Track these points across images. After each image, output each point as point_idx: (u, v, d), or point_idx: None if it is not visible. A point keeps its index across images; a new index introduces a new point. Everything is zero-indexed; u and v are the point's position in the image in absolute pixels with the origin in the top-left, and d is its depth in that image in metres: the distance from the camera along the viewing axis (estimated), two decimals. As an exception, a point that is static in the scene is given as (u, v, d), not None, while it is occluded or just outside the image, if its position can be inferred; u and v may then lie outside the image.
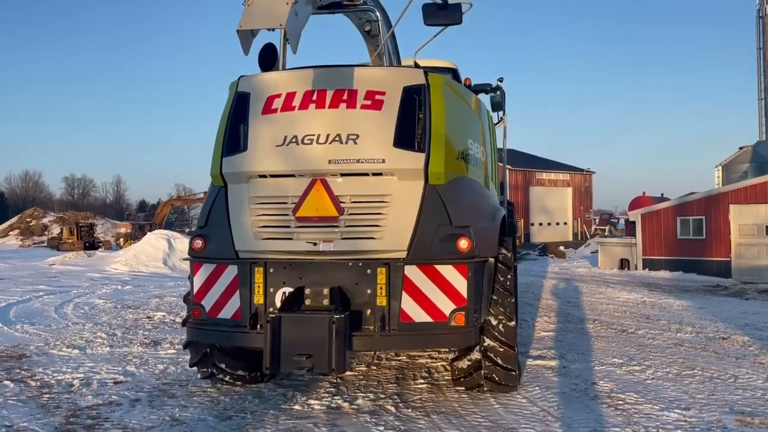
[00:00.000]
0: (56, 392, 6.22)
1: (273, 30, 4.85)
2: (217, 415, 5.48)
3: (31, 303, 13.01)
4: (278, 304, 5.31)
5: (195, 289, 5.60)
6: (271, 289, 5.37)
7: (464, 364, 5.83)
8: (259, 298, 5.36)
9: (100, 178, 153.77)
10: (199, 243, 5.57)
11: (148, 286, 16.46)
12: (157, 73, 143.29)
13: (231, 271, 5.47)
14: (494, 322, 5.68)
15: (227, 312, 5.45)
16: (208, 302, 5.52)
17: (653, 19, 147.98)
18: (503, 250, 6.04)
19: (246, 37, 4.92)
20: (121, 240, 40.95)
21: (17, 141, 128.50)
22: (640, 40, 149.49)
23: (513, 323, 5.74)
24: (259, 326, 5.28)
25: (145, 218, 48.60)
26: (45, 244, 45.26)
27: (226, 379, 6.17)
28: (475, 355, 5.74)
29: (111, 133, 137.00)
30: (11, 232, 53.70)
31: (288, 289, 5.33)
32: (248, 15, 4.75)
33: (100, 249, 37.52)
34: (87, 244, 38.90)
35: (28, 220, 55.71)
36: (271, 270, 5.38)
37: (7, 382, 6.54)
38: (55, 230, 49.40)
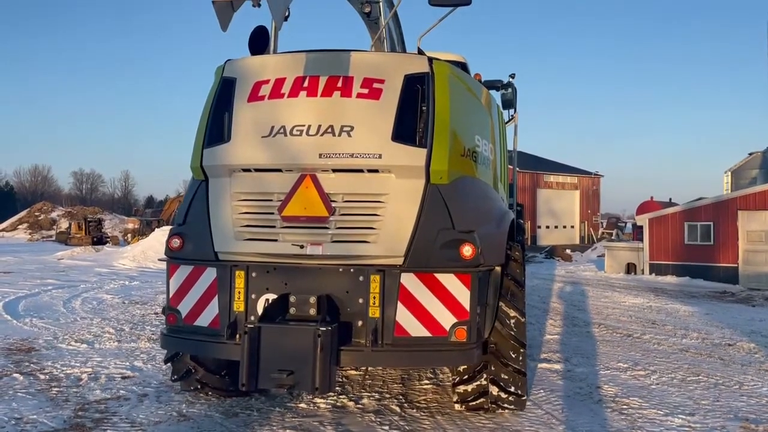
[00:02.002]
0: (65, 386, 6.28)
1: (257, 5, 4.25)
2: (224, 411, 5.53)
3: (39, 297, 13.12)
4: (260, 312, 4.84)
5: (171, 293, 5.14)
6: (253, 296, 4.90)
7: (469, 388, 5.36)
8: (239, 305, 4.88)
9: (108, 174, 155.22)
10: (176, 242, 5.11)
11: (156, 282, 16.54)
12: (167, 67, 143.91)
13: (209, 274, 5.01)
14: (503, 345, 5.20)
15: (204, 319, 4.99)
16: (184, 308, 5.07)
17: (665, 23, 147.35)
18: (512, 260, 5.55)
19: (224, 10, 4.34)
20: (129, 236, 41.17)
21: (27, 135, 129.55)
22: (651, 43, 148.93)
23: (523, 349, 5.26)
24: (237, 336, 4.79)
25: (152, 214, 48.85)
26: (53, 239, 45.57)
27: (215, 395, 5.84)
28: (482, 380, 5.30)
29: (120, 129, 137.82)
30: (20, 226, 54.13)
31: (271, 296, 4.85)
32: None
33: (107, 244, 37.79)
34: (95, 239, 39.20)
35: (36, 214, 56.15)
36: (254, 274, 4.90)
37: (16, 375, 6.61)
38: (64, 225, 49.71)
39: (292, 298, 4.76)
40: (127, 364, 7.20)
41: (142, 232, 39.02)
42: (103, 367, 7.04)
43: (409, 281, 4.72)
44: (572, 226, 48.64)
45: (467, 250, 4.68)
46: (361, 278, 4.76)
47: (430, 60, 5.07)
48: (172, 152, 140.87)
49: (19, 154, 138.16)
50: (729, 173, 34.55)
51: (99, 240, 39.72)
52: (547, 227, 46.35)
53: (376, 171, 4.81)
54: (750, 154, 34.78)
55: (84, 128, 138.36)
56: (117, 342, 8.45)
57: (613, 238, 38.52)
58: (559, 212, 47.26)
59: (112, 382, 6.46)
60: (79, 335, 8.86)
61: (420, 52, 5.64)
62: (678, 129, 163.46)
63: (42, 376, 6.61)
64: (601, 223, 51.08)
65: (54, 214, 55.94)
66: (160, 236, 24.27)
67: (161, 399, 5.89)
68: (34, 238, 48.18)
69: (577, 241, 46.18)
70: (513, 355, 5.21)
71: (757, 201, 18.74)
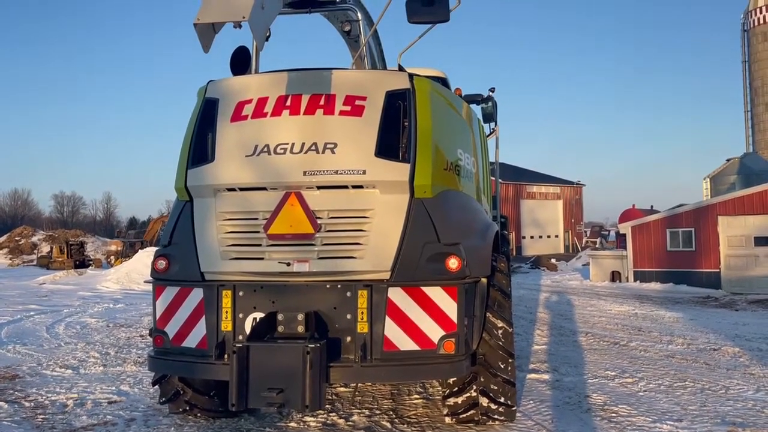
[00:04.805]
0: (51, 413, 6.19)
1: (239, 27, 4.29)
2: (213, 433, 5.49)
3: (22, 323, 12.93)
4: (248, 331, 4.81)
5: (158, 315, 5.12)
6: (241, 315, 4.89)
7: (459, 400, 5.38)
8: (227, 325, 4.86)
9: (89, 196, 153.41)
10: (162, 263, 5.09)
11: (140, 304, 16.38)
12: (146, 88, 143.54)
13: (196, 295, 4.99)
14: (491, 356, 5.20)
15: (192, 340, 4.96)
16: (171, 329, 5.03)
17: (642, 33, 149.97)
18: (497, 271, 5.55)
19: (206, 32, 4.37)
20: (112, 258, 40.78)
21: (6, 158, 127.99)
22: (629, 53, 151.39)
23: (512, 359, 5.27)
24: (226, 356, 4.74)
25: (135, 236, 48.44)
26: (35, 263, 44.94)
27: (204, 417, 5.79)
28: (471, 392, 5.31)
29: (100, 150, 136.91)
30: (0, 251, 53.26)
31: (259, 315, 4.83)
32: (207, 6, 4.21)
33: (90, 267, 37.31)
34: (77, 263, 38.69)
35: (17, 238, 55.25)
36: (241, 293, 4.90)
37: (1, 403, 6.50)
38: (45, 249, 49.04)
39: (279, 316, 4.75)
40: (114, 388, 7.11)
41: (126, 253, 38.63)
42: (88, 392, 6.95)
43: (397, 295, 4.74)
44: (556, 236, 49.02)
45: (453, 263, 4.72)
46: (348, 294, 4.77)
47: (411, 76, 5.12)
48: (154, 172, 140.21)
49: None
50: (708, 179, 35.11)
51: (81, 263, 39.23)
52: (532, 237, 46.65)
53: (361, 187, 4.84)
54: (728, 160, 35.39)
55: (64, 150, 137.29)
56: (102, 366, 8.35)
57: (597, 246, 38.83)
58: (542, 222, 47.64)
59: (98, 407, 6.38)
60: (64, 361, 8.74)
61: (401, 68, 5.70)
62: (657, 137, 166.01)
63: (27, 404, 6.51)
64: (585, 231, 51.51)
65: (35, 239, 55.11)
66: (143, 258, 24.09)
67: (149, 423, 5.82)
68: (14, 263, 47.47)
69: (562, 251, 46.52)
70: (502, 366, 5.22)
71: (736, 206, 19.03)
